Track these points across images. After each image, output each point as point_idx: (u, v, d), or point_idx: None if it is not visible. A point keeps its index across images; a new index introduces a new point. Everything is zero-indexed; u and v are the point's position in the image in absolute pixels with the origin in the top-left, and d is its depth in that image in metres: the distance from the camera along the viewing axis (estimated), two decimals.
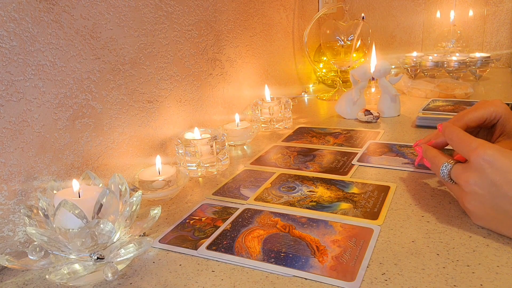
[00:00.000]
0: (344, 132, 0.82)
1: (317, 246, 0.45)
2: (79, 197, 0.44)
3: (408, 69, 1.25)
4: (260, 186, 0.61)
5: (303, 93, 1.20)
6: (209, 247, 0.46)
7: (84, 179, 0.48)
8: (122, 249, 0.42)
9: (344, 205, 0.53)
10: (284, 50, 1.13)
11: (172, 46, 0.70)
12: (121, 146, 0.61)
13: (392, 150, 0.71)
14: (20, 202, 0.47)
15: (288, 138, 0.82)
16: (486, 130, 0.57)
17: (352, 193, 0.57)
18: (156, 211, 0.48)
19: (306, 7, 1.24)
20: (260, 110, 0.87)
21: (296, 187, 0.59)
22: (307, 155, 0.71)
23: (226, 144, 0.68)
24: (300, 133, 0.84)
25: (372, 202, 0.53)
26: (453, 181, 0.48)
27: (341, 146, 0.75)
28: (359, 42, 1.09)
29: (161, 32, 0.67)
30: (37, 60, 0.48)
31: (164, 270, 0.43)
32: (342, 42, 1.09)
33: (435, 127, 0.81)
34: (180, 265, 0.44)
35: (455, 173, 0.47)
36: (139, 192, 0.46)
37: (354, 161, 0.67)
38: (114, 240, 0.43)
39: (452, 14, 1.36)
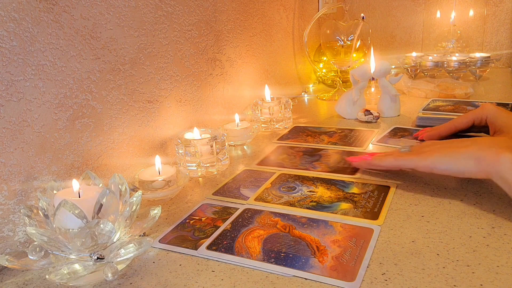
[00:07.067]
0: (339, 131, 0.82)
1: (317, 246, 0.45)
2: (79, 197, 0.44)
3: (408, 69, 1.25)
4: (260, 186, 0.61)
5: (303, 93, 1.20)
6: (209, 247, 0.46)
7: (84, 179, 0.48)
8: (122, 249, 0.42)
9: (344, 205, 0.53)
10: (284, 50, 1.13)
11: (172, 46, 0.70)
12: (121, 146, 0.61)
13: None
14: (20, 202, 0.47)
15: (284, 137, 0.82)
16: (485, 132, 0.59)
17: (352, 193, 0.57)
18: (156, 211, 0.48)
19: (306, 7, 1.24)
20: (260, 110, 0.87)
21: (296, 187, 0.59)
22: (313, 155, 0.71)
23: (226, 144, 0.68)
24: (295, 132, 0.84)
25: (372, 202, 0.53)
26: None
27: (342, 145, 0.75)
28: (359, 42, 1.08)
29: (161, 32, 0.67)
30: (37, 60, 0.48)
31: (164, 270, 0.43)
32: (342, 42, 1.09)
33: None
34: (180, 265, 0.44)
35: None
36: (139, 192, 0.46)
37: None
38: (114, 240, 0.43)
39: (452, 14, 1.36)
